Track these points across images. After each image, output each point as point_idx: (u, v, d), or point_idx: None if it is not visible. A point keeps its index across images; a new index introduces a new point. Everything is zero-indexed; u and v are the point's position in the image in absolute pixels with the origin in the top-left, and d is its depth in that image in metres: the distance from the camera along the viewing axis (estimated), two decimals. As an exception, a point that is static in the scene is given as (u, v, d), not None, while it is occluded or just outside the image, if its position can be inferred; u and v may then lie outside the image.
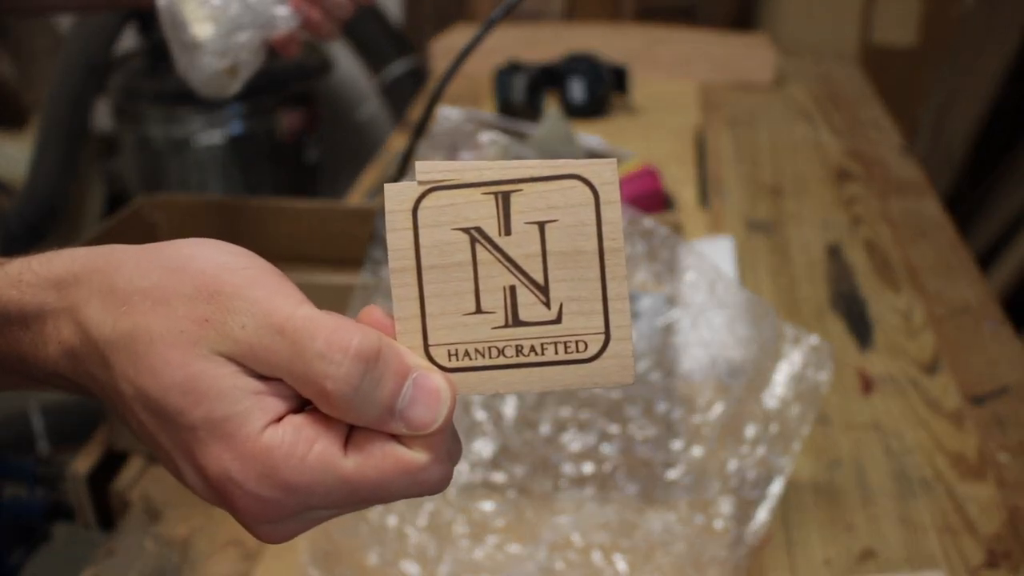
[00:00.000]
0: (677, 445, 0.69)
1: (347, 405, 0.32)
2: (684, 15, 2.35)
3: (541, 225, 0.34)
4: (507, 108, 1.51)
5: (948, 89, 2.04)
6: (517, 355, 0.34)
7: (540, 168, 0.34)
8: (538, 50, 1.71)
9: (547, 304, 0.34)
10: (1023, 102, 1.93)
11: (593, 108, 1.56)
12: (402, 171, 0.72)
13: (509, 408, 0.69)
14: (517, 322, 0.34)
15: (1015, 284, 1.80)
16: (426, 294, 0.34)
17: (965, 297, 1.03)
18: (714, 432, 0.68)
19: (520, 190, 0.34)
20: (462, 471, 0.68)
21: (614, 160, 0.34)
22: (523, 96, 1.50)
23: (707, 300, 0.67)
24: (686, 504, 0.68)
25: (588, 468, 0.69)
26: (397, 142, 1.50)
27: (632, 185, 1.11)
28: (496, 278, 0.34)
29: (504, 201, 0.34)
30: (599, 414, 0.68)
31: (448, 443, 0.33)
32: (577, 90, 1.55)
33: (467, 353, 0.34)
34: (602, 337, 0.34)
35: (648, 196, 1.12)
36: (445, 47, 1.83)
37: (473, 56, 0.71)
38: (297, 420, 0.33)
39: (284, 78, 2.42)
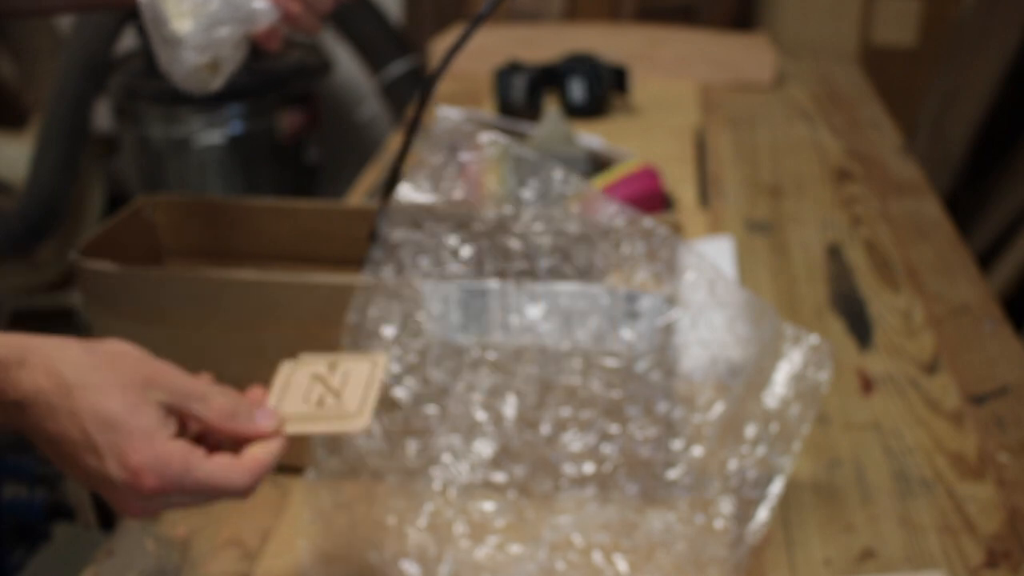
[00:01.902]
0: (677, 445, 0.69)
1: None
2: (684, 15, 2.34)
3: (345, 372, 0.61)
4: (507, 108, 1.51)
5: (947, 89, 2.04)
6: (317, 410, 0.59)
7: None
8: (538, 50, 1.71)
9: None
10: (1022, 102, 1.93)
11: (593, 108, 1.56)
12: (397, 171, 0.72)
13: (509, 408, 0.69)
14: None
15: (1014, 284, 1.80)
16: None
17: (965, 297, 1.03)
18: (714, 432, 0.68)
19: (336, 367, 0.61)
20: (462, 471, 0.68)
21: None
22: (523, 96, 1.50)
23: (707, 300, 0.67)
24: (686, 504, 0.68)
25: (588, 468, 0.69)
26: (397, 142, 1.50)
27: (632, 185, 1.11)
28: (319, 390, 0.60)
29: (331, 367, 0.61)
30: (599, 414, 0.68)
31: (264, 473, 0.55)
32: (577, 90, 1.55)
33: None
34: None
35: (648, 196, 1.12)
36: (445, 47, 1.83)
37: (473, 56, 0.71)
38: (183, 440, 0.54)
39: (284, 78, 2.42)
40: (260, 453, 0.55)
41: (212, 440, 0.56)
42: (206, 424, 0.55)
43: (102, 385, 0.52)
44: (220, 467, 0.53)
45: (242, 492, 0.54)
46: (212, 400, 0.55)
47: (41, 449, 0.54)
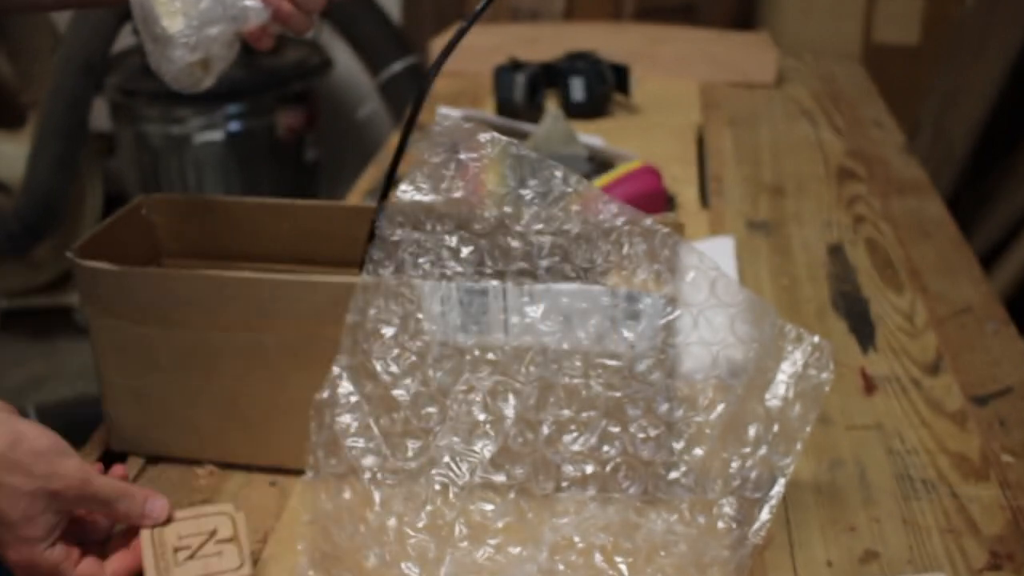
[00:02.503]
0: (678, 445, 0.68)
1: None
2: (684, 15, 2.34)
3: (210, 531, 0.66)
4: (507, 107, 1.51)
5: (949, 88, 2.03)
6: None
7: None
8: (538, 49, 1.71)
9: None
10: (1024, 101, 1.92)
11: (593, 107, 1.55)
12: (393, 171, 0.72)
13: (509, 408, 0.68)
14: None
15: (1018, 284, 1.79)
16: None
17: (968, 297, 1.03)
18: (715, 432, 0.67)
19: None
20: (462, 472, 0.68)
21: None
22: (523, 95, 1.49)
23: (708, 300, 0.67)
24: (688, 505, 0.67)
25: (589, 469, 0.69)
26: (397, 141, 1.49)
27: (632, 184, 1.11)
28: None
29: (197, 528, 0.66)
30: (600, 415, 0.68)
31: None
32: (577, 89, 1.54)
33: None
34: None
35: (648, 195, 1.11)
36: (445, 46, 1.82)
37: (473, 56, 0.71)
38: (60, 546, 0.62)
39: (283, 77, 2.42)
40: (119, 567, 0.64)
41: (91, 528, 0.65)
42: (101, 520, 0.65)
43: (13, 491, 0.59)
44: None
45: None
46: (114, 506, 0.63)
47: None
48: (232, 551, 0.64)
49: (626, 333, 0.67)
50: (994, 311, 1.00)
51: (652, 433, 0.68)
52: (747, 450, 0.67)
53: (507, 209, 0.69)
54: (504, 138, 0.69)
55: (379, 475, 0.67)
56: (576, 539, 0.66)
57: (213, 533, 0.66)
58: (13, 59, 2.44)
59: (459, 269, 0.69)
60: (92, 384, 0.79)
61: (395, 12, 2.62)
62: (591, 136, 1.37)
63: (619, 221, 0.67)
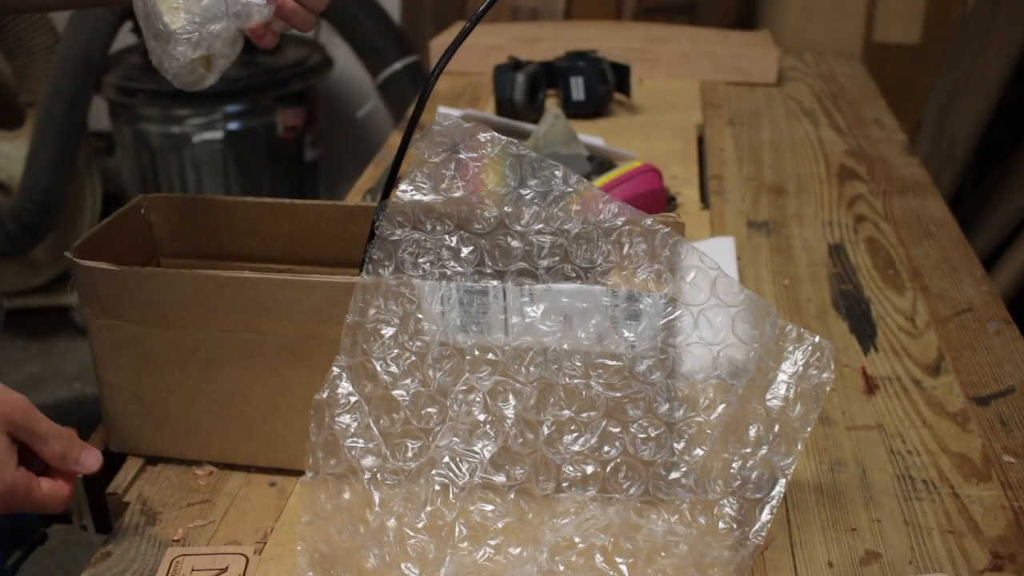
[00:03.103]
0: (679, 446, 0.68)
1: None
2: (685, 14, 2.34)
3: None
4: (507, 107, 1.50)
5: (950, 88, 2.03)
6: None
7: None
8: (538, 49, 1.71)
9: None
10: (1026, 101, 1.92)
11: (594, 107, 1.55)
12: (394, 174, 0.72)
13: (509, 409, 0.68)
14: None
15: (1020, 283, 1.79)
16: None
17: (969, 297, 1.03)
18: (716, 433, 0.67)
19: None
20: (462, 472, 0.68)
21: None
22: (523, 95, 1.49)
23: (709, 300, 0.67)
24: (689, 505, 0.67)
25: (589, 469, 0.69)
26: (397, 141, 1.49)
27: (633, 184, 1.11)
28: None
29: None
30: (600, 415, 0.68)
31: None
32: (578, 89, 1.54)
33: None
34: None
35: (649, 195, 1.11)
36: (445, 45, 1.82)
37: (473, 55, 0.70)
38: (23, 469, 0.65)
39: (283, 76, 2.41)
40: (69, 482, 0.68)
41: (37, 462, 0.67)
42: (43, 459, 0.66)
43: None
44: (51, 491, 0.66)
45: (61, 509, 0.67)
46: (51, 442, 0.65)
47: None
48: None
49: (626, 333, 0.67)
50: (996, 311, 1.00)
51: (652, 433, 0.68)
52: (748, 450, 0.67)
53: (507, 209, 0.68)
54: (504, 138, 0.69)
55: (379, 476, 0.67)
56: (576, 540, 0.66)
57: (224, 570, 0.67)
58: (11, 58, 2.43)
59: (459, 269, 0.69)
60: (91, 384, 0.79)
61: (395, 12, 2.62)
62: (591, 136, 1.37)
63: (619, 221, 0.67)
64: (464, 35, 0.71)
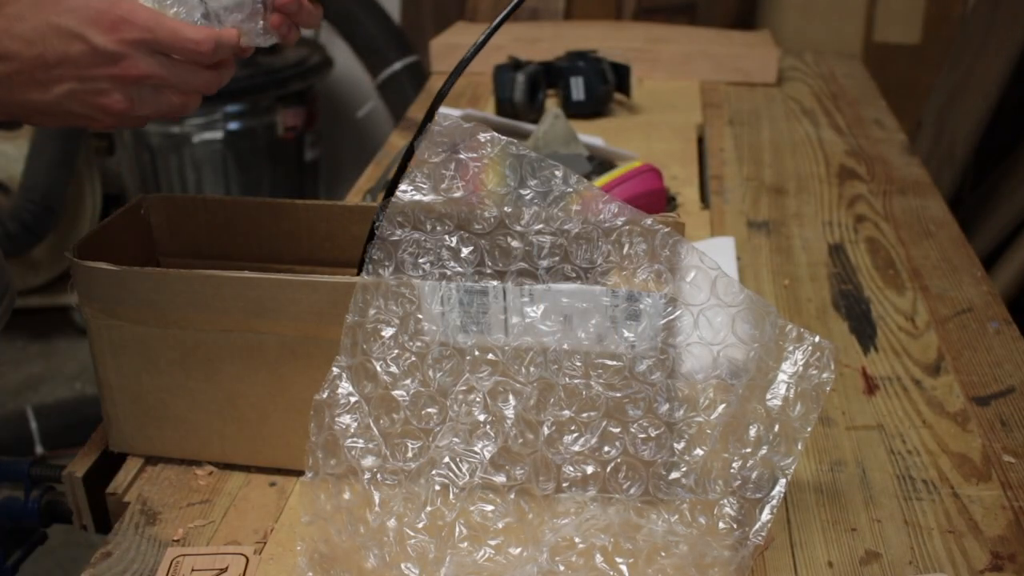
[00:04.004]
0: (679, 446, 0.68)
1: None
2: (685, 14, 2.34)
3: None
4: (507, 107, 1.50)
5: (950, 87, 2.03)
6: None
7: None
8: (538, 49, 1.71)
9: None
10: (1026, 101, 1.92)
11: (594, 107, 1.55)
12: (399, 177, 0.72)
13: (509, 409, 0.68)
14: None
15: (1020, 283, 1.79)
16: None
17: (969, 297, 1.03)
18: (716, 433, 0.67)
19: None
20: (462, 472, 0.68)
21: None
22: (523, 95, 1.49)
23: (709, 300, 0.67)
24: (689, 505, 0.67)
25: (589, 469, 0.69)
26: (397, 141, 1.49)
27: (633, 183, 1.11)
28: None
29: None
30: (601, 415, 0.68)
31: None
32: (578, 89, 1.54)
33: None
34: None
35: (649, 195, 1.11)
36: (445, 45, 1.82)
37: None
38: None
39: (283, 76, 2.41)
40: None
41: None
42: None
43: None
44: (182, 23, 0.62)
45: (204, 50, 0.62)
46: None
47: (24, 95, 0.62)
48: None
49: (626, 333, 0.67)
50: (996, 311, 1.00)
51: (653, 433, 0.68)
52: (748, 450, 0.67)
53: (507, 209, 0.68)
54: (504, 138, 0.69)
55: (379, 476, 0.67)
56: (577, 540, 0.65)
57: (224, 570, 0.67)
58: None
59: (459, 269, 0.69)
60: (90, 384, 0.79)
61: (395, 12, 2.62)
62: (591, 136, 1.37)
63: (619, 221, 0.67)
64: (487, 38, 0.70)
